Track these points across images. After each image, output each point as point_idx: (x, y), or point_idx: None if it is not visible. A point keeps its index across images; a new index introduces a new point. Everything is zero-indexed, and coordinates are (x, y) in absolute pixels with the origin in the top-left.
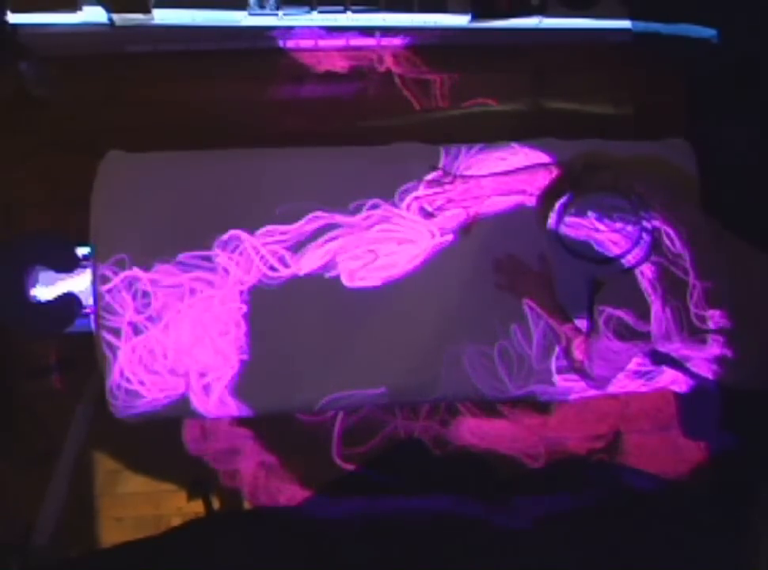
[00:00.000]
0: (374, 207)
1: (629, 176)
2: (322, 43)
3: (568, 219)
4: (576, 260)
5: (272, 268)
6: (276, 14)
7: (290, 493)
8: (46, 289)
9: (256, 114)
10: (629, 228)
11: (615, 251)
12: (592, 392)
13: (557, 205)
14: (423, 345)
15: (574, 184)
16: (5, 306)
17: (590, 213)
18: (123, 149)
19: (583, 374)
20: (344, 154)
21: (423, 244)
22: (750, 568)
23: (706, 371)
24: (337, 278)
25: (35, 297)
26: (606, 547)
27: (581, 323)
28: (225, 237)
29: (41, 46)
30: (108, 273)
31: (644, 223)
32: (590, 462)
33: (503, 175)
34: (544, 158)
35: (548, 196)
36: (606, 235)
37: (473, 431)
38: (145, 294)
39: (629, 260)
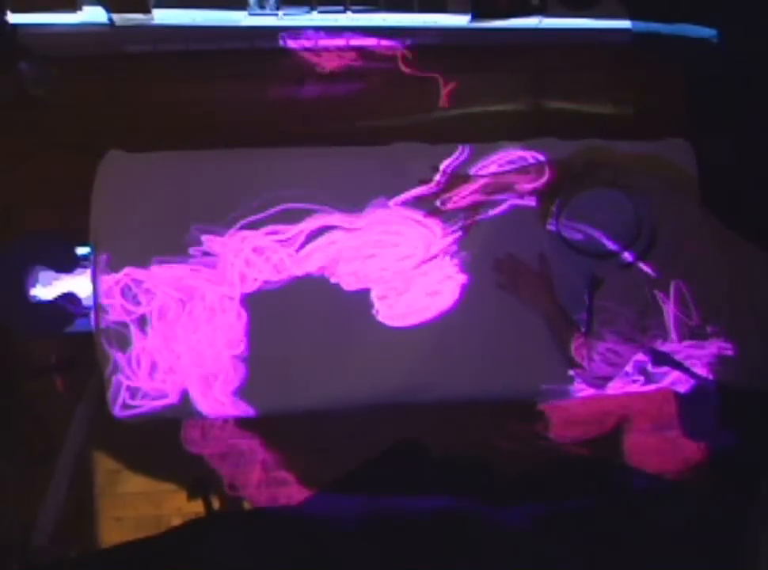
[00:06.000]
0: (375, 207)
1: (629, 174)
2: (322, 43)
3: (567, 215)
4: (576, 256)
5: (272, 269)
6: (276, 14)
7: (290, 493)
8: (46, 289)
9: (256, 114)
10: (629, 223)
11: (615, 246)
12: (592, 391)
13: (557, 202)
14: (425, 345)
15: (574, 182)
16: (5, 306)
17: (590, 209)
18: (123, 149)
19: (582, 373)
20: (344, 154)
21: (423, 244)
22: (750, 567)
23: (706, 371)
24: (337, 278)
25: (35, 297)
26: (607, 547)
27: (581, 322)
28: (225, 236)
29: (41, 46)
30: (108, 273)
31: (644, 219)
32: (590, 462)
33: (503, 175)
34: (544, 158)
35: (548, 194)
36: (606, 230)
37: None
38: (145, 294)
39: (629, 255)
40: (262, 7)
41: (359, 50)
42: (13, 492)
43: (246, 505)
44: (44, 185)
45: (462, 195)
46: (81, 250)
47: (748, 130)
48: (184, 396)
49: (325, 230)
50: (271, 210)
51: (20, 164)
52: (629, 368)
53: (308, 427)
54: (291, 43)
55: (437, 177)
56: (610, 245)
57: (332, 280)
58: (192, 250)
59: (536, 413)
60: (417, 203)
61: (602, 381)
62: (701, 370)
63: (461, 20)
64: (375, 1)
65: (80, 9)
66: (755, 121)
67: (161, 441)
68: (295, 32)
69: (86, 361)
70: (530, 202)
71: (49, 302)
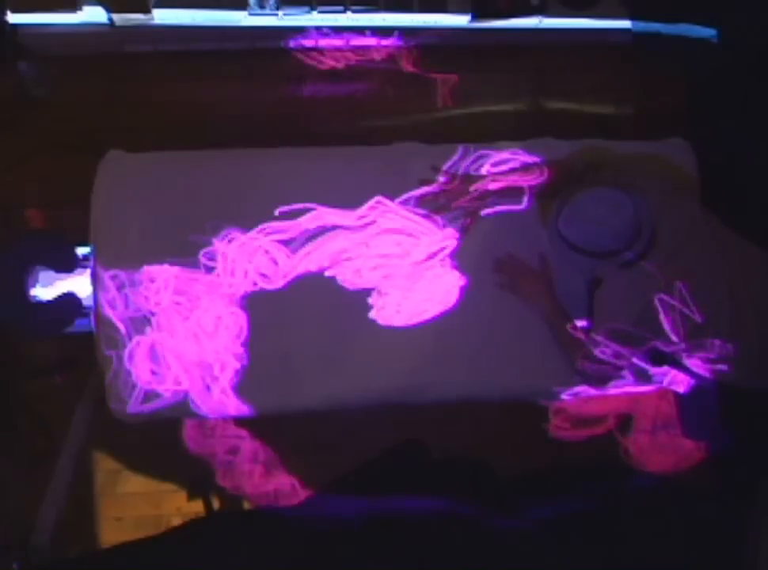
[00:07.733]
0: (375, 206)
1: (629, 174)
2: (322, 43)
3: (568, 215)
4: (576, 256)
5: (272, 268)
6: (276, 14)
7: (290, 493)
8: (46, 289)
9: (256, 114)
10: (629, 223)
11: (615, 246)
12: (593, 391)
13: (557, 202)
14: (425, 344)
15: (575, 182)
16: (5, 306)
17: (590, 209)
18: (123, 149)
19: (582, 373)
20: (344, 154)
21: (423, 244)
22: (750, 567)
23: (706, 371)
24: (337, 278)
25: (35, 297)
26: (607, 547)
27: (581, 322)
28: (225, 236)
29: (41, 46)
30: (108, 273)
31: (644, 219)
32: (590, 462)
33: (503, 175)
34: (544, 158)
35: (548, 194)
36: (606, 230)
37: None
38: (145, 293)
39: (629, 255)
40: (262, 7)
41: (359, 50)
42: (13, 492)
43: (246, 505)
44: (44, 185)
45: (462, 195)
46: (81, 250)
47: (748, 130)
48: (185, 395)
49: (324, 230)
50: (271, 210)
51: (20, 164)
52: (629, 368)
53: (308, 427)
54: (291, 43)
55: (437, 177)
56: (610, 245)
57: (332, 280)
58: (191, 250)
59: (536, 413)
60: (417, 203)
61: (602, 381)
62: (701, 370)
63: (461, 20)
64: (375, 1)
65: (80, 9)
66: (755, 121)
67: (161, 441)
68: (295, 31)
69: (86, 361)
70: (530, 202)
71: (49, 302)
